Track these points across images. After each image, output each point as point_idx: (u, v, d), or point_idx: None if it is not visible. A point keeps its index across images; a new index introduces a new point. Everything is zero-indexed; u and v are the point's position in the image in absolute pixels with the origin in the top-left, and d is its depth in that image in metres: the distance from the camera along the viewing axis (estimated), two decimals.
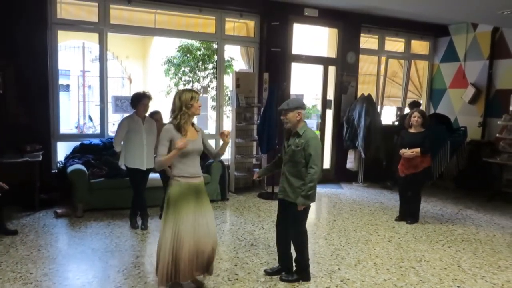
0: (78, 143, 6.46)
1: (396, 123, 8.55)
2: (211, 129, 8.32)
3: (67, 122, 12.14)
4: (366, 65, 9.07)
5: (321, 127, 8.45)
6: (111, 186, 5.91)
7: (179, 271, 3.47)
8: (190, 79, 10.36)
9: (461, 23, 8.67)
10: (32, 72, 6.04)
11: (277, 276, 4.00)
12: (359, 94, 8.41)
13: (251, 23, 7.69)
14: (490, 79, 8.26)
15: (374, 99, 8.44)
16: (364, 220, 6.05)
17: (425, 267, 4.43)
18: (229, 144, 7.26)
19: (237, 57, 9.30)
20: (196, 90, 3.77)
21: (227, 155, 7.38)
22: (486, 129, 8.31)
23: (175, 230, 3.45)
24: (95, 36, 6.64)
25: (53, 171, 6.35)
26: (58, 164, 6.39)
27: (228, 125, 7.94)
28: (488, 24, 8.06)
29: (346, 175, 8.48)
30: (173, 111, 3.55)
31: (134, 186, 5.30)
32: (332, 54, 8.37)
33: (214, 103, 8.08)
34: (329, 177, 8.39)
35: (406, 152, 5.77)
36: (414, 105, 7.59)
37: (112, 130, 7.12)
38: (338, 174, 8.51)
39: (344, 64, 8.27)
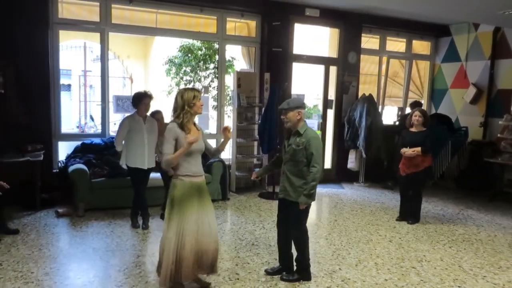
0: (79, 143, 6.47)
1: (397, 123, 8.55)
2: (212, 128, 8.33)
3: (69, 121, 12.16)
4: (367, 65, 9.07)
5: (322, 127, 8.45)
6: (112, 185, 5.91)
7: (182, 270, 3.46)
8: (191, 79, 10.37)
9: (462, 23, 8.66)
10: (34, 72, 6.05)
11: (278, 275, 4.00)
12: (360, 94, 8.40)
13: (252, 23, 7.70)
14: (492, 79, 8.24)
15: (375, 99, 8.44)
16: (365, 220, 6.04)
17: (426, 267, 4.43)
18: (230, 144, 7.35)
19: (238, 57, 9.30)
20: (198, 89, 3.75)
21: (228, 155, 7.40)
22: (488, 129, 8.29)
23: (180, 230, 3.45)
24: (97, 35, 6.65)
25: (54, 171, 6.35)
26: (59, 164, 6.40)
27: (229, 125, 7.94)
28: (490, 24, 8.04)
29: (347, 175, 8.48)
30: (175, 110, 3.54)
31: (135, 185, 5.30)
32: (333, 54, 8.37)
33: (215, 103, 8.08)
34: (330, 177, 8.38)
35: (407, 151, 5.77)
36: (415, 105, 7.58)
37: (113, 129, 7.14)
38: (339, 174, 8.51)
39: (345, 64, 8.27)
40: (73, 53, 12.97)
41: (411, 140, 5.79)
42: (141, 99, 5.15)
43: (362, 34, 8.42)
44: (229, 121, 8.20)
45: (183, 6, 6.96)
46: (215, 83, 9.22)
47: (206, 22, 7.46)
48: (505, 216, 6.53)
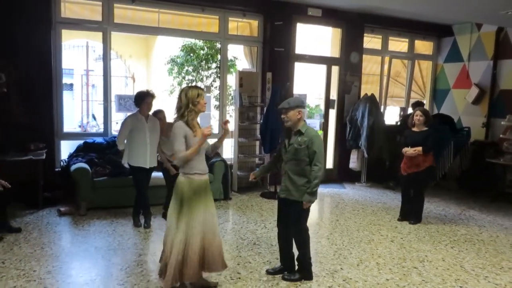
0: (81, 142, 6.49)
1: (399, 123, 8.54)
2: (214, 128, 8.30)
3: (71, 121, 12.17)
4: (370, 65, 9.06)
5: (324, 127, 8.45)
6: (114, 184, 5.93)
7: (186, 271, 3.46)
8: (194, 78, 10.37)
9: (465, 23, 8.64)
10: (36, 71, 6.06)
11: (279, 275, 4.00)
12: (362, 94, 8.39)
13: (255, 23, 7.70)
14: (494, 79, 8.23)
15: (378, 99, 8.43)
16: (367, 220, 6.04)
17: (427, 267, 4.43)
18: (232, 144, 7.36)
19: (240, 57, 9.30)
20: (201, 87, 3.76)
21: (230, 155, 7.40)
22: (490, 130, 8.28)
23: (188, 230, 3.45)
24: (99, 35, 6.66)
25: (56, 170, 6.37)
26: (62, 163, 6.41)
27: (231, 124, 7.94)
28: (492, 24, 8.03)
29: (349, 175, 8.48)
30: (179, 108, 3.53)
31: (137, 184, 5.31)
32: (336, 54, 8.37)
33: (217, 103, 8.08)
34: (332, 177, 8.38)
35: (408, 150, 5.76)
36: (417, 105, 7.56)
37: (115, 129, 7.15)
38: (341, 174, 8.51)
39: (348, 64, 8.26)
40: (76, 52, 12.99)
41: (413, 139, 5.78)
42: (143, 98, 5.16)
43: (365, 34, 8.41)
44: (231, 120, 8.20)
45: (185, 6, 6.96)
46: (217, 83, 9.23)
47: (208, 22, 7.47)
48: (507, 217, 6.51)
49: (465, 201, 7.36)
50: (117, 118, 8.38)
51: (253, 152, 7.66)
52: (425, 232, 5.60)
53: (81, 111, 13.30)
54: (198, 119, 3.72)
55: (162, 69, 10.81)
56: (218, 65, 8.96)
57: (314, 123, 8.40)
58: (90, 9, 6.68)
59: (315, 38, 9.07)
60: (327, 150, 8.47)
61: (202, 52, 10.17)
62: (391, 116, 9.62)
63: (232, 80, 8.14)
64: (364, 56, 8.48)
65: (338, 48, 8.32)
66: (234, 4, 7.20)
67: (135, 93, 5.40)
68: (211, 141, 3.94)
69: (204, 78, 10.36)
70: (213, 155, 4.50)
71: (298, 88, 8.16)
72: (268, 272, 4.07)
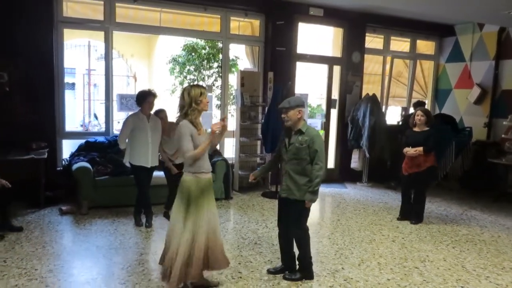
0: (83, 141, 6.50)
1: (400, 123, 8.53)
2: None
3: (73, 120, 12.20)
4: (371, 65, 9.05)
5: (326, 126, 8.44)
6: (116, 183, 5.93)
7: (191, 270, 3.46)
8: (195, 77, 10.37)
9: (467, 23, 8.62)
10: (38, 70, 6.08)
11: (280, 275, 4.00)
12: (364, 93, 8.39)
13: (256, 22, 7.70)
14: (496, 80, 8.21)
15: (379, 99, 8.42)
16: (368, 219, 6.04)
17: (429, 267, 4.42)
18: (234, 143, 7.36)
19: (242, 56, 9.30)
20: (203, 85, 3.76)
21: (231, 154, 7.40)
22: (492, 130, 8.27)
23: (195, 229, 3.46)
24: (101, 34, 6.67)
25: (58, 169, 6.38)
26: (63, 162, 6.43)
27: (232, 124, 7.95)
28: (494, 24, 8.01)
29: (351, 174, 8.47)
30: (182, 107, 3.52)
31: (139, 184, 5.31)
32: (337, 53, 8.36)
33: (219, 102, 8.08)
34: (333, 177, 8.38)
35: (409, 150, 5.76)
36: (418, 105, 7.55)
37: (117, 128, 7.16)
38: (343, 174, 8.50)
39: (349, 63, 8.26)
40: (78, 51, 13.00)
41: (414, 139, 5.78)
42: (145, 98, 5.16)
43: (366, 34, 8.41)
44: (233, 120, 8.20)
45: (187, 5, 6.97)
46: (219, 82, 9.23)
47: (210, 21, 7.47)
48: (509, 217, 6.50)
49: (467, 201, 7.35)
50: (119, 118, 8.39)
51: (254, 152, 7.66)
52: (426, 232, 5.60)
53: (83, 110, 13.33)
54: (200, 118, 3.72)
55: (163, 69, 10.81)
56: (220, 65, 8.95)
57: (316, 123, 8.39)
58: (92, 9, 6.69)
59: (316, 38, 9.07)
60: (329, 150, 8.47)
61: (203, 51, 10.17)
62: (393, 116, 9.61)
63: (233, 80, 8.15)
64: (366, 56, 8.47)
65: (339, 48, 8.31)
66: (236, 3, 7.20)
67: (136, 93, 5.41)
68: None
69: (206, 78, 10.35)
70: (211, 153, 4.51)
71: (299, 87, 8.15)
72: (269, 272, 4.07)
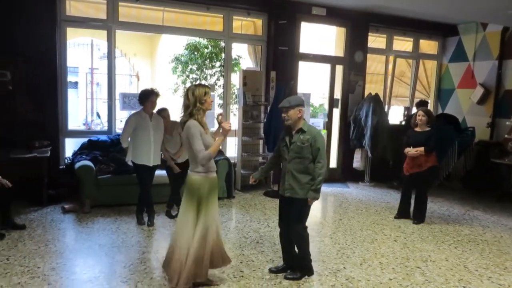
0: (85, 140, 6.52)
1: (403, 123, 8.52)
2: (217, 126, 8.33)
3: (75, 118, 12.23)
4: (374, 64, 9.04)
5: (328, 126, 8.44)
6: (118, 182, 5.94)
7: (199, 270, 3.49)
8: (198, 77, 10.39)
9: (470, 23, 8.60)
10: (41, 69, 6.09)
11: (282, 274, 4.01)
12: (366, 93, 8.38)
13: (259, 22, 7.70)
14: (499, 80, 8.19)
15: (382, 99, 8.41)
16: (370, 219, 6.03)
17: (431, 267, 4.42)
18: (236, 142, 7.36)
19: (244, 55, 9.31)
20: (207, 85, 3.77)
21: (233, 153, 7.41)
22: (495, 130, 8.24)
23: (205, 229, 3.48)
24: (104, 33, 6.68)
25: (61, 167, 6.40)
26: (66, 160, 6.44)
27: (234, 123, 7.96)
28: (498, 24, 7.99)
29: (353, 174, 8.46)
30: (186, 107, 3.51)
31: (141, 182, 5.32)
32: (340, 53, 8.35)
33: (221, 101, 8.09)
34: (335, 176, 8.37)
35: (410, 151, 5.76)
36: (421, 104, 7.56)
37: (119, 127, 7.17)
38: (345, 173, 8.49)
39: (352, 63, 8.25)
40: (80, 50, 13.05)
41: (415, 139, 5.78)
42: (147, 97, 5.17)
43: (369, 33, 8.39)
44: (235, 119, 8.21)
45: (190, 4, 6.97)
46: (221, 81, 9.23)
47: (212, 20, 7.47)
48: (511, 217, 6.48)
49: (469, 201, 7.33)
50: (121, 116, 8.40)
51: (256, 151, 7.66)
52: (428, 232, 5.59)
53: (85, 109, 13.37)
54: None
55: (166, 68, 10.84)
56: (222, 64, 8.96)
57: (318, 122, 8.40)
58: (95, 7, 6.70)
59: (319, 37, 9.06)
60: (331, 149, 8.46)
61: (206, 50, 10.19)
62: (395, 115, 9.59)
63: (236, 79, 8.15)
64: (368, 55, 8.46)
65: (342, 47, 8.30)
66: (238, 2, 7.20)
67: (139, 92, 5.42)
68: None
69: (208, 77, 10.38)
70: (222, 156, 4.52)
71: (302, 87, 8.14)
72: (271, 271, 4.07)
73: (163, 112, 5.52)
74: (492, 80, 8.27)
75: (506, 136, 7.65)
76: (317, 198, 3.80)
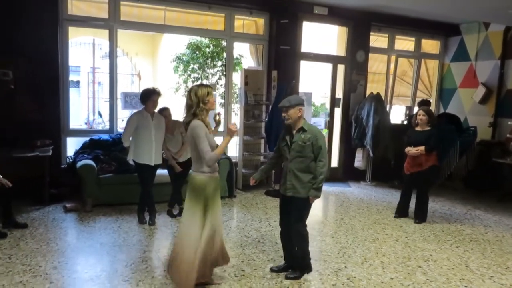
0: (87, 139, 6.53)
1: (405, 122, 8.51)
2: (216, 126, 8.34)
3: (77, 117, 12.24)
4: (376, 63, 9.02)
5: (330, 125, 8.43)
6: (120, 181, 5.95)
7: (207, 270, 3.52)
8: (199, 76, 10.39)
9: (472, 22, 8.58)
10: (43, 68, 6.10)
11: (283, 273, 4.01)
12: (368, 93, 8.37)
13: (260, 21, 7.69)
14: (502, 79, 8.17)
15: (383, 98, 8.40)
16: (372, 218, 6.03)
17: (432, 267, 4.41)
18: (237, 142, 7.36)
19: (246, 55, 9.30)
20: (210, 85, 3.77)
21: (235, 153, 7.41)
22: (497, 129, 8.23)
23: (214, 228, 3.50)
24: (105, 32, 6.69)
25: (62, 166, 6.41)
26: (68, 159, 6.46)
27: (236, 122, 7.96)
28: (500, 24, 7.97)
29: (354, 173, 8.46)
30: (190, 107, 3.49)
31: (142, 182, 5.33)
32: (342, 52, 8.35)
33: (223, 101, 8.09)
34: (337, 176, 8.37)
35: (411, 150, 5.76)
36: (423, 103, 7.54)
37: (121, 126, 7.18)
38: (346, 173, 8.49)
39: (354, 62, 8.24)
40: (82, 50, 13.06)
41: (415, 139, 5.78)
42: (149, 96, 5.17)
43: (371, 33, 8.38)
44: (236, 118, 8.21)
45: (192, 4, 6.97)
46: (223, 81, 9.24)
47: (214, 20, 7.47)
48: None
49: (471, 201, 7.32)
50: (123, 116, 8.42)
51: (258, 150, 7.66)
52: (430, 231, 5.58)
53: (87, 108, 13.39)
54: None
55: (168, 67, 10.84)
56: (224, 63, 8.96)
57: (320, 122, 8.39)
58: (96, 7, 6.71)
59: (321, 37, 9.05)
60: (332, 149, 8.46)
61: (207, 50, 10.19)
62: (397, 115, 9.58)
63: (237, 78, 8.15)
64: (370, 54, 8.45)
65: (344, 47, 8.29)
66: (240, 2, 7.20)
67: (141, 91, 5.42)
68: (218, 138, 3.95)
69: (210, 76, 10.38)
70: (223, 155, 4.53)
71: (303, 86, 8.14)
72: (272, 270, 4.08)
73: (165, 111, 5.52)
74: (494, 79, 8.26)
75: (508, 135, 7.64)
76: (318, 197, 3.81)
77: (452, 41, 9.15)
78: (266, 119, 7.26)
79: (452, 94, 9.17)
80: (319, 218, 6.01)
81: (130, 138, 5.21)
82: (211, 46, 10.17)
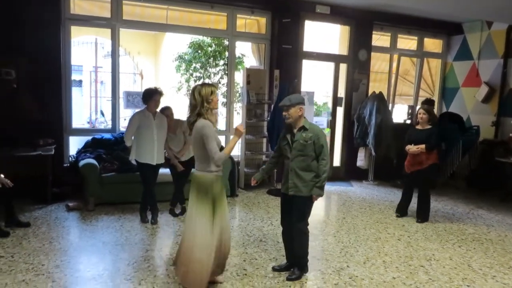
0: (90, 138, 6.53)
1: (408, 121, 8.49)
2: (221, 125, 8.34)
3: (79, 117, 12.29)
4: (378, 62, 9.01)
5: (332, 124, 8.42)
6: (122, 180, 5.96)
7: (215, 268, 3.54)
8: (201, 75, 10.39)
9: (475, 21, 8.55)
10: (45, 67, 6.11)
11: (285, 272, 4.01)
12: (370, 92, 8.35)
13: (263, 20, 7.69)
14: (504, 78, 8.14)
15: (386, 97, 8.39)
16: (374, 218, 6.02)
17: (434, 266, 4.40)
18: (239, 141, 7.35)
19: (248, 54, 9.30)
20: (214, 84, 3.76)
21: (237, 152, 7.41)
22: (500, 128, 8.20)
23: (223, 227, 3.52)
24: (108, 31, 6.70)
25: (65, 165, 6.43)
26: (70, 158, 6.47)
27: (238, 121, 7.96)
28: (503, 22, 7.94)
29: (356, 173, 8.45)
30: (194, 107, 3.48)
31: (144, 181, 5.33)
32: (344, 51, 8.33)
33: (225, 100, 8.09)
34: (339, 175, 8.36)
35: (411, 148, 5.76)
36: (427, 103, 7.53)
37: (123, 125, 7.19)
38: (348, 172, 8.48)
39: (356, 61, 8.23)
40: (85, 49, 13.09)
41: (416, 137, 5.79)
42: (151, 96, 5.18)
43: (373, 32, 8.36)
44: (238, 118, 8.21)
45: (194, 3, 6.97)
46: (225, 80, 9.24)
47: (216, 19, 7.47)
48: None
49: (474, 200, 7.30)
50: (125, 115, 8.43)
51: (260, 149, 7.66)
52: (432, 230, 5.57)
53: (89, 107, 13.43)
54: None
55: (170, 66, 10.85)
56: (226, 62, 8.96)
57: (322, 121, 8.38)
58: (99, 6, 6.72)
59: (323, 36, 9.04)
60: (335, 148, 8.45)
61: (210, 49, 10.18)
62: (399, 114, 9.57)
63: (239, 77, 8.14)
64: (372, 53, 8.43)
65: (346, 46, 8.28)
66: (242, 1, 7.20)
67: (143, 90, 5.42)
68: (221, 138, 3.94)
69: (212, 75, 10.37)
70: None
71: (305, 85, 8.13)
72: (274, 269, 4.08)
73: (167, 110, 5.52)
74: (497, 78, 8.23)
75: (511, 134, 7.61)
76: (321, 195, 3.82)
77: (455, 40, 9.13)
78: (268, 118, 7.25)
79: (454, 93, 9.15)
80: (321, 217, 6.01)
81: (132, 138, 5.22)
82: (213, 45, 10.17)
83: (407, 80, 9.47)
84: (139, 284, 3.70)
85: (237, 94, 8.37)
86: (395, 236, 5.30)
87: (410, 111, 9.10)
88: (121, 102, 7.17)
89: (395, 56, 8.89)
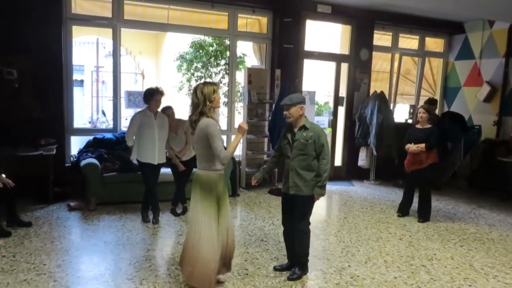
0: (91, 138, 6.53)
1: (410, 121, 8.48)
2: (222, 125, 8.35)
3: (81, 116, 12.30)
4: (379, 62, 8.99)
5: (333, 124, 8.42)
6: (124, 180, 5.96)
7: (220, 268, 3.56)
8: (202, 75, 10.40)
9: (477, 20, 8.53)
10: (47, 67, 6.12)
11: (286, 272, 4.00)
12: (371, 91, 8.35)
13: (264, 19, 7.68)
14: (506, 77, 8.12)
15: (387, 97, 8.38)
16: (375, 217, 6.01)
17: (436, 266, 4.40)
18: (241, 140, 7.34)
19: (249, 53, 9.30)
20: (216, 82, 3.75)
21: (238, 151, 7.40)
22: (501, 128, 8.18)
23: (228, 225, 3.54)
24: (109, 31, 6.70)
25: (66, 165, 6.43)
26: (72, 158, 6.47)
27: (239, 121, 7.95)
28: (505, 21, 7.92)
29: (358, 172, 8.44)
30: (196, 105, 3.46)
31: (146, 180, 5.34)
32: (345, 51, 8.32)
33: (226, 99, 8.09)
34: (340, 175, 8.36)
35: (411, 147, 5.76)
36: (429, 102, 7.52)
37: (125, 125, 7.18)
38: (350, 172, 8.47)
39: (357, 61, 8.22)
40: (86, 49, 13.10)
41: (416, 136, 5.79)
42: (152, 95, 5.18)
43: (375, 31, 8.35)
44: (240, 117, 8.21)
45: (195, 2, 6.97)
46: (226, 80, 9.24)
47: (217, 18, 7.47)
48: None
49: (475, 200, 7.29)
50: (127, 114, 8.43)
51: (261, 149, 7.66)
52: (434, 230, 5.56)
53: (91, 107, 13.44)
54: None
55: (171, 66, 10.86)
56: (227, 62, 8.96)
57: (323, 120, 8.37)
58: (100, 6, 6.72)
59: (324, 35, 9.03)
60: (336, 148, 8.45)
61: (211, 48, 10.19)
62: (401, 113, 9.56)
63: (241, 77, 8.14)
64: (374, 53, 8.43)
65: (347, 45, 8.27)
66: (243, 0, 7.19)
67: (144, 90, 5.43)
68: (223, 137, 3.95)
69: (213, 75, 10.38)
70: None
71: (307, 85, 8.12)
72: (275, 269, 4.08)
73: (168, 110, 5.52)
74: (499, 78, 8.21)
75: None
76: (323, 194, 3.82)
77: (456, 39, 9.11)
78: (270, 118, 7.25)
79: (456, 93, 9.13)
80: (322, 217, 6.00)
81: (134, 137, 5.22)
82: (215, 45, 10.18)
83: (408, 80, 9.46)
84: (140, 283, 3.71)
85: (238, 94, 8.37)
86: (396, 235, 5.29)
87: (411, 110, 9.09)
88: (123, 102, 7.18)
89: (397, 56, 8.88)
